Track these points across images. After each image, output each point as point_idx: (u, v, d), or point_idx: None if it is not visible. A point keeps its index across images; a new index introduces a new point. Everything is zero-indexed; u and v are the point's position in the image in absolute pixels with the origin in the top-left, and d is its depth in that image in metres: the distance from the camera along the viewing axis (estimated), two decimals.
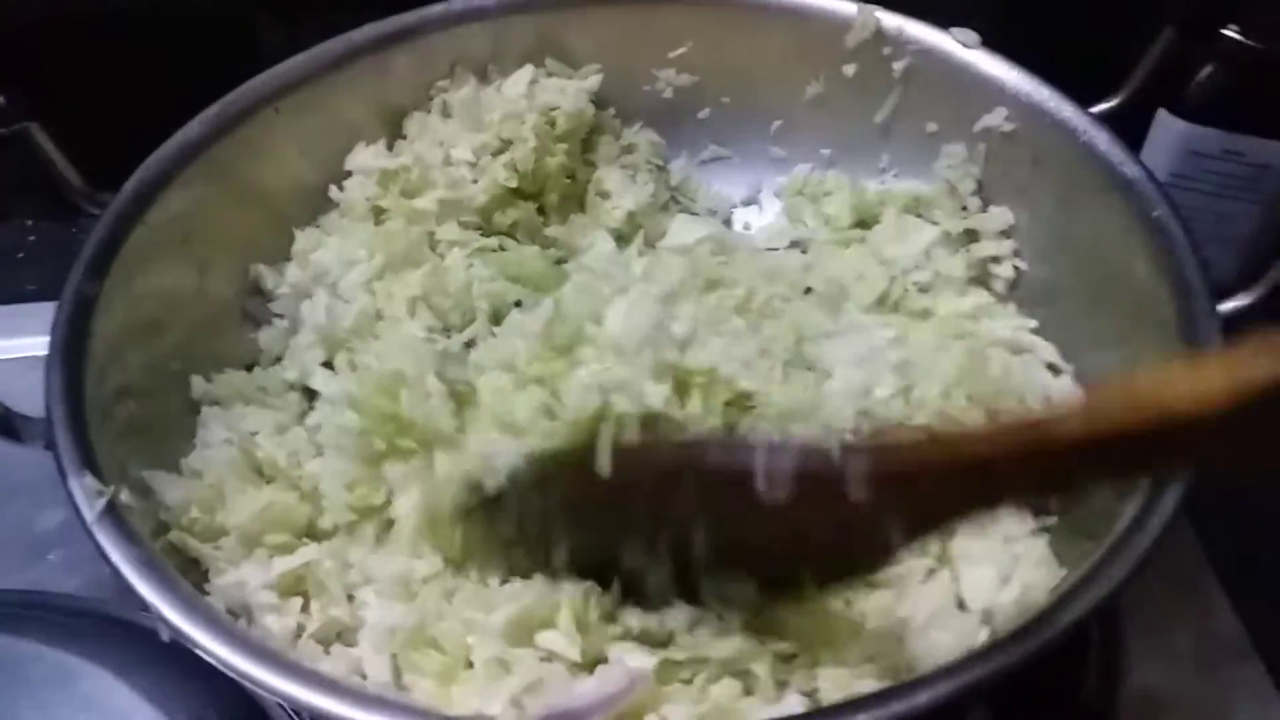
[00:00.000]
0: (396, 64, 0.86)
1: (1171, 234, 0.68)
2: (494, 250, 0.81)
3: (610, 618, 0.60)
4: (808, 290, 0.79)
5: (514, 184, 0.83)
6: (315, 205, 0.84)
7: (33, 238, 1.07)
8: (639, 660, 0.58)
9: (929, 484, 0.52)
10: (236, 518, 0.66)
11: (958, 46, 0.80)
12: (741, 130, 0.91)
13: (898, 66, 0.83)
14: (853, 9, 0.83)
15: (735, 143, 0.91)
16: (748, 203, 0.92)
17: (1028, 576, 0.61)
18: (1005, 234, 0.80)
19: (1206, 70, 0.82)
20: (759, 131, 0.90)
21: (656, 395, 0.64)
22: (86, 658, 0.67)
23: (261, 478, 0.70)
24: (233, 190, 0.80)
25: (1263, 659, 0.73)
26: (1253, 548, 0.79)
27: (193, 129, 0.78)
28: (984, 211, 0.81)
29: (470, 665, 0.59)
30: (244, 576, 0.63)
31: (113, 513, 0.60)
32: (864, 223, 0.85)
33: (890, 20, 0.83)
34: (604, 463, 0.58)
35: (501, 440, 0.64)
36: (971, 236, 0.81)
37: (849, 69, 0.85)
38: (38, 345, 0.88)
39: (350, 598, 0.64)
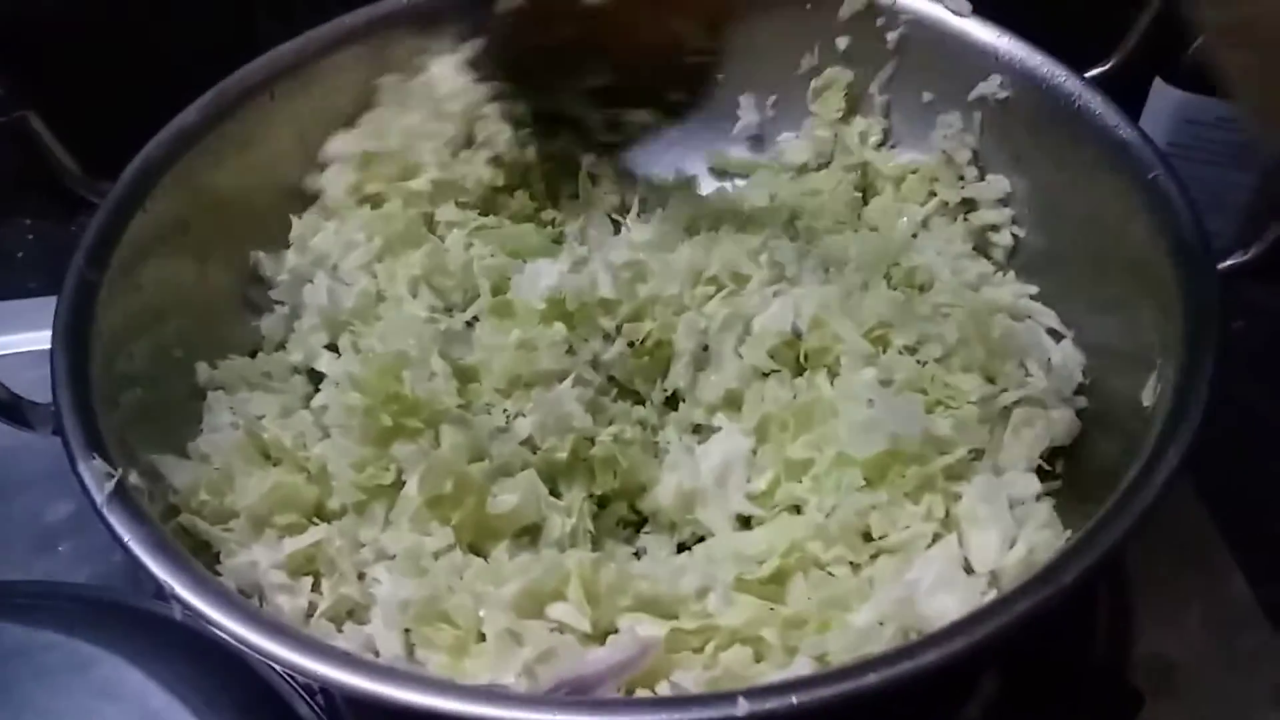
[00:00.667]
0: (393, 46, 0.86)
1: (1168, 195, 0.68)
2: (493, 228, 0.82)
3: (619, 588, 0.61)
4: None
5: (500, 181, 0.84)
6: (313, 189, 0.84)
7: (31, 236, 1.07)
8: (649, 629, 0.59)
9: None
10: (245, 499, 0.66)
11: (950, 15, 0.80)
12: (736, 105, 0.91)
13: (891, 37, 0.83)
14: None
15: (729, 117, 0.91)
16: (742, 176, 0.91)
17: (1033, 538, 0.61)
18: (1002, 202, 0.80)
19: (1201, 38, 0.82)
20: (756, 104, 0.90)
21: None
22: (101, 645, 0.67)
23: (268, 460, 0.70)
24: (230, 176, 0.80)
25: (1272, 624, 0.73)
26: (1261, 517, 0.79)
27: (189, 115, 0.78)
28: (981, 180, 0.82)
29: (482, 638, 0.60)
30: (255, 557, 0.64)
31: (122, 495, 0.60)
32: (863, 194, 0.85)
33: None
34: None
35: None
36: (969, 205, 0.81)
37: (842, 41, 0.85)
38: (42, 339, 0.90)
39: (360, 576, 0.65)
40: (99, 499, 0.60)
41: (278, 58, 0.82)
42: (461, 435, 0.66)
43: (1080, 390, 0.71)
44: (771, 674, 0.57)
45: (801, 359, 0.73)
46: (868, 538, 0.64)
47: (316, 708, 0.64)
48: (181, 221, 0.76)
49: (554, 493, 0.68)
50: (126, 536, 0.58)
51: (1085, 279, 0.75)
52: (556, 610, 0.60)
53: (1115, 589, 0.73)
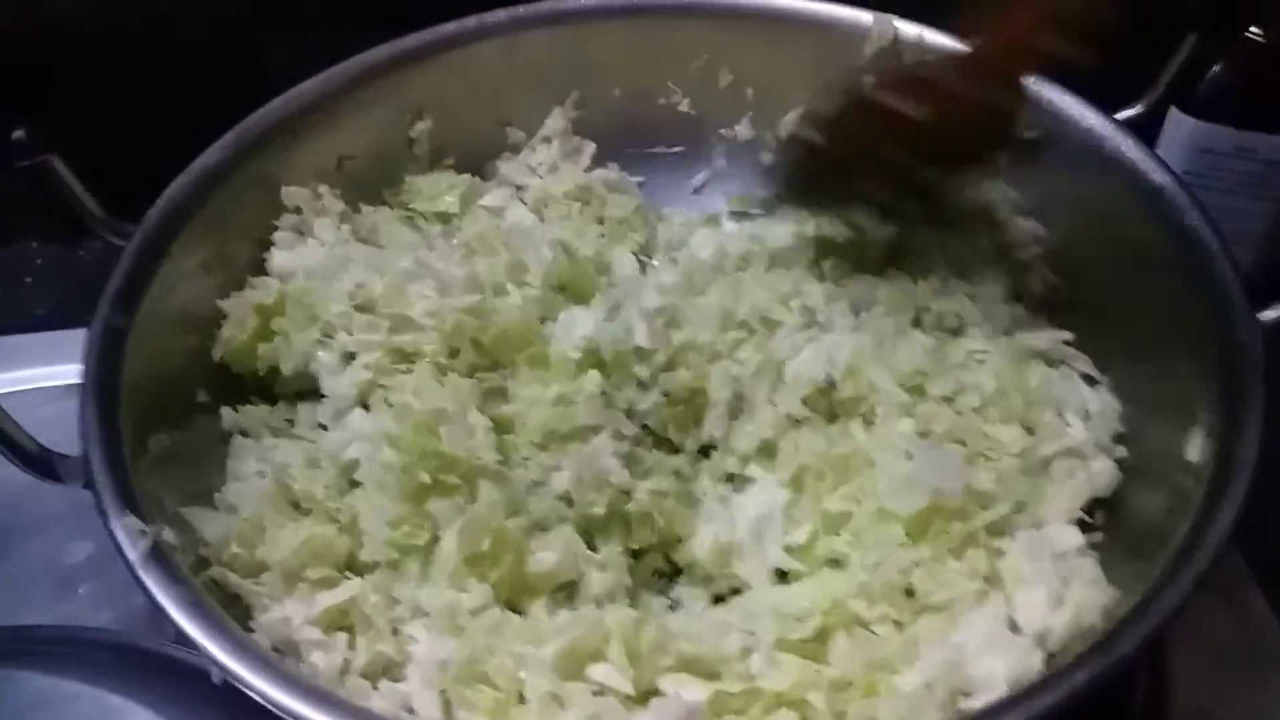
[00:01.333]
0: (410, 82, 0.85)
1: (1204, 241, 0.68)
2: None
3: (661, 648, 0.60)
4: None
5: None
6: None
7: (39, 261, 1.07)
8: (692, 692, 0.58)
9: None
10: (277, 552, 0.65)
11: None
12: (762, 144, 0.90)
13: None
14: (869, 18, 0.83)
15: (754, 155, 0.91)
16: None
17: (1079, 597, 0.60)
18: (1035, 245, 0.80)
19: (1217, 68, 0.82)
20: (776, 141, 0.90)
21: None
22: (126, 695, 0.67)
23: (298, 510, 0.69)
24: (251, 216, 0.79)
25: None
26: None
27: (211, 156, 0.78)
28: (1013, 223, 0.81)
29: (522, 699, 0.59)
30: (288, 613, 0.63)
31: (157, 554, 0.60)
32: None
33: (908, 29, 0.82)
34: None
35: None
36: (1002, 250, 0.81)
37: (868, 79, 0.84)
38: (53, 375, 0.89)
39: (395, 631, 0.64)
40: (134, 558, 0.59)
41: (297, 96, 0.82)
42: (498, 491, 0.66)
43: (1118, 439, 0.70)
44: None
45: (834, 406, 0.72)
46: (910, 594, 0.63)
47: None
48: (205, 263, 0.76)
49: (590, 546, 0.68)
50: (163, 598, 0.58)
51: (1119, 323, 0.74)
52: (598, 672, 0.59)
53: None
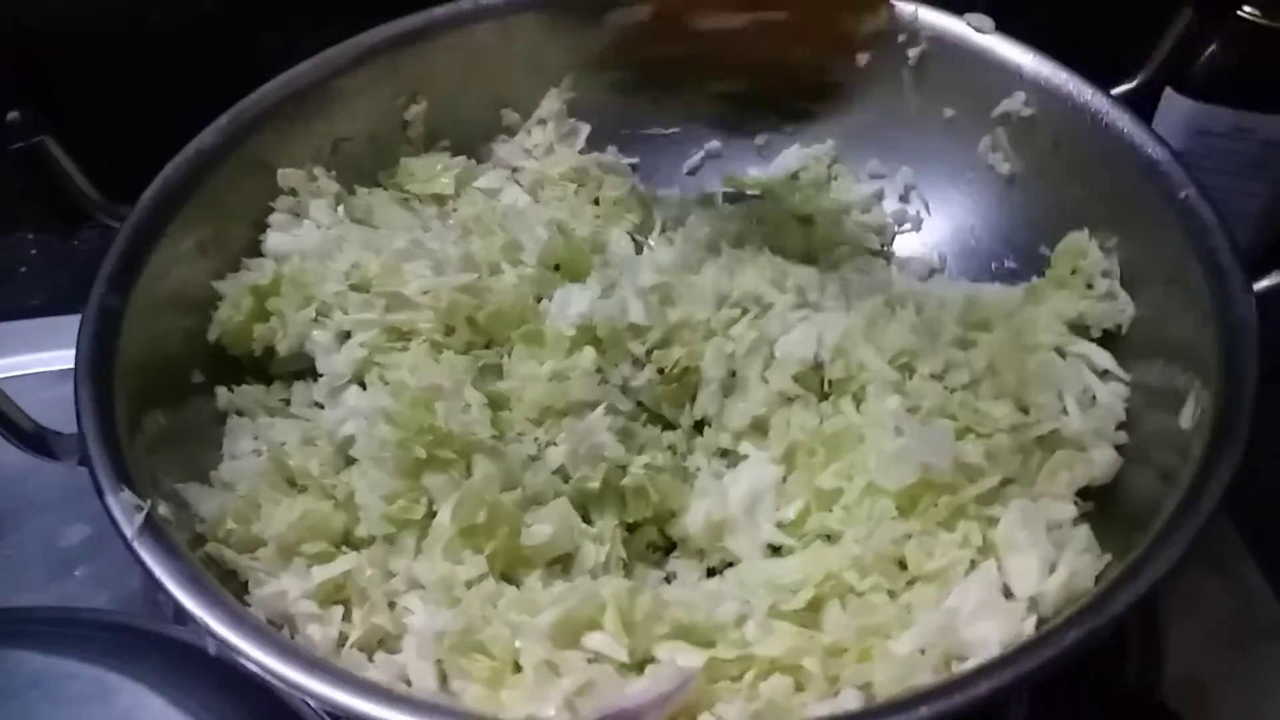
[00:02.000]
0: (406, 65, 0.85)
1: (1201, 215, 0.68)
2: None
3: (655, 616, 0.60)
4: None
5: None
6: None
7: (34, 251, 1.07)
8: (687, 659, 0.58)
9: None
10: (273, 528, 0.65)
11: (973, 32, 0.80)
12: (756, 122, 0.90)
13: (912, 54, 0.83)
14: None
15: (749, 134, 0.91)
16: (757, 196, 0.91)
17: (1073, 563, 0.60)
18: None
19: (1212, 48, 0.82)
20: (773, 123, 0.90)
21: None
22: (123, 673, 0.66)
23: (294, 487, 0.69)
24: (247, 198, 0.80)
25: None
26: None
27: (206, 138, 0.78)
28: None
29: (518, 669, 0.59)
30: (284, 586, 0.63)
31: (153, 528, 0.60)
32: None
33: (904, 7, 0.82)
34: None
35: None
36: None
37: (863, 58, 0.84)
38: (48, 360, 0.89)
39: (391, 605, 0.64)
40: (129, 532, 0.59)
41: (293, 78, 0.82)
42: (494, 465, 0.66)
43: (1119, 425, 0.69)
44: (814, 704, 0.56)
45: (825, 385, 0.72)
46: (902, 566, 0.63)
47: None
48: (201, 245, 0.76)
49: (585, 519, 0.68)
50: (159, 571, 0.58)
51: None
52: (593, 640, 0.59)
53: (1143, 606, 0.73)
